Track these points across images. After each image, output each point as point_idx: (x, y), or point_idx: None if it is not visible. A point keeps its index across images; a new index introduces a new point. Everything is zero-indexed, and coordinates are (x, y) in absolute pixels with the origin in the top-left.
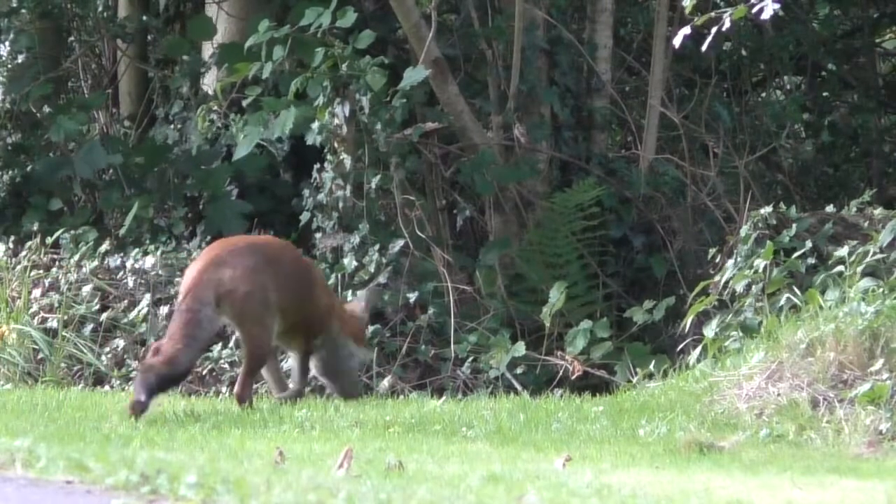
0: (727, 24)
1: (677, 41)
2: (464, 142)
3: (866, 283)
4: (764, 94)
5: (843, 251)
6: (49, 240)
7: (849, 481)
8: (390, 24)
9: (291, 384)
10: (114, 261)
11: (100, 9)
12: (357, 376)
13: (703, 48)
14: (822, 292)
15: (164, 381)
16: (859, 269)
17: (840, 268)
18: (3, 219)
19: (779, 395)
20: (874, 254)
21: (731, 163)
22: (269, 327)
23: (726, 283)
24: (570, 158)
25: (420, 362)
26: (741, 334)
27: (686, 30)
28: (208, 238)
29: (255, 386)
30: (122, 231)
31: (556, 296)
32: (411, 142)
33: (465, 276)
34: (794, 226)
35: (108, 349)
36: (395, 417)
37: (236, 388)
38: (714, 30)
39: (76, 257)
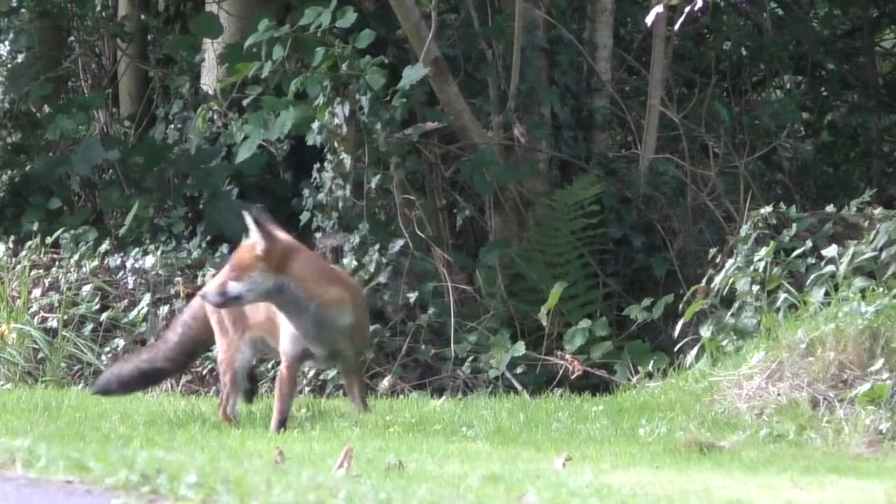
0: (699, 3)
1: (649, 19)
2: (464, 142)
3: (862, 282)
4: (764, 94)
5: (831, 250)
6: (49, 239)
7: (849, 481)
8: (390, 24)
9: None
10: (114, 260)
11: (98, 8)
12: None
13: (675, 26)
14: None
15: None
16: (842, 267)
17: (830, 267)
18: (2, 218)
19: (779, 394)
20: (862, 253)
21: (731, 162)
22: None
23: (725, 283)
24: (570, 158)
25: (420, 362)
26: (735, 336)
27: (659, 7)
28: (208, 238)
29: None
30: (122, 231)
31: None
32: (411, 142)
33: (465, 276)
34: (794, 226)
35: (108, 349)
36: (395, 417)
37: None
38: (686, 10)
39: (76, 257)
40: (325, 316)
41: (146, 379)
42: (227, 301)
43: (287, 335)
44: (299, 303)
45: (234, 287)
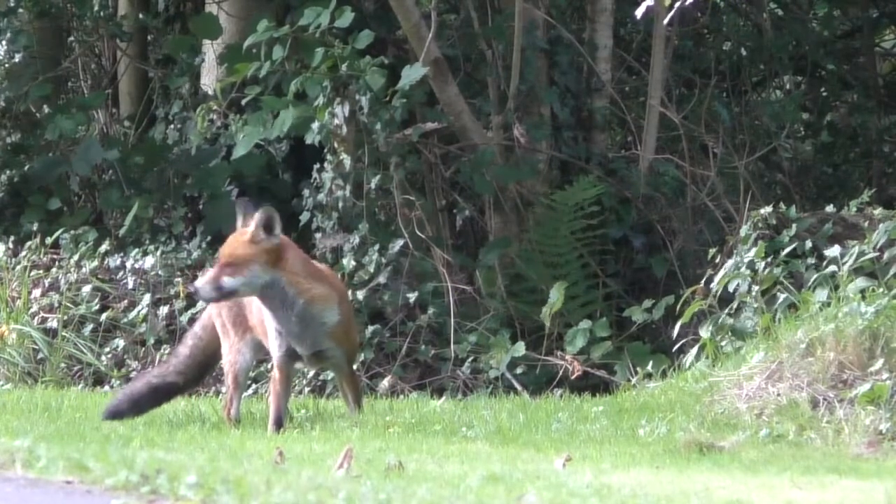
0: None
1: (639, 12)
2: (464, 142)
3: (862, 282)
4: (764, 94)
5: (833, 251)
6: (49, 240)
7: (849, 481)
8: (390, 24)
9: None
10: (114, 261)
11: (96, 8)
12: None
13: (666, 20)
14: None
15: None
16: (845, 267)
17: (833, 268)
18: (2, 218)
19: (779, 395)
20: (863, 253)
21: (730, 163)
22: None
23: (724, 284)
24: (570, 158)
25: (420, 362)
26: (733, 337)
27: (649, 1)
28: (208, 238)
29: (254, 387)
30: (121, 231)
31: (556, 296)
32: (411, 142)
33: (465, 276)
34: (794, 226)
35: (108, 349)
36: (395, 418)
37: None
38: (677, 5)
39: (76, 257)
40: (311, 313)
41: (158, 395)
42: (222, 296)
43: (272, 335)
44: (287, 298)
45: (230, 282)
